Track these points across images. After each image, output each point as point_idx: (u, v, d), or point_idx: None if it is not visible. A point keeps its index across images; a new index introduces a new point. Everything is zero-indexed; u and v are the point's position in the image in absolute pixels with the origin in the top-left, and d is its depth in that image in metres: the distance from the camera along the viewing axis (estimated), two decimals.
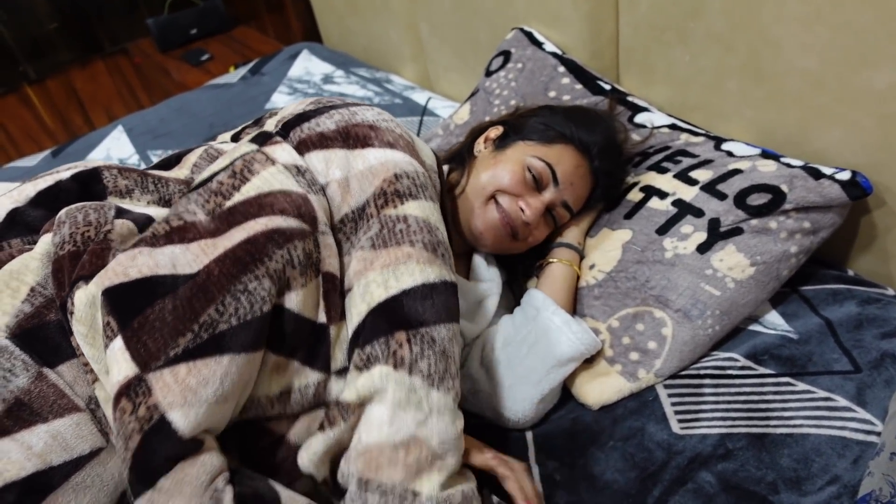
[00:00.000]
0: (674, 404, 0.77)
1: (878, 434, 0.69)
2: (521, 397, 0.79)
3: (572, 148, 0.87)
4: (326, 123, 0.74)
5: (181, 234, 0.64)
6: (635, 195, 0.88)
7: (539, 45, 1.15)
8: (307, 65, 1.82)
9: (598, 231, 0.89)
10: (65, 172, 0.76)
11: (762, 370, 0.78)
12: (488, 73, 1.19)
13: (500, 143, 0.91)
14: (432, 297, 0.64)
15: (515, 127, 0.92)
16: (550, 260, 0.88)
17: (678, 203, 0.83)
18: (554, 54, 1.13)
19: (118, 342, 0.58)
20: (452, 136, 1.20)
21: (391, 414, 0.59)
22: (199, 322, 0.58)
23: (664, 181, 0.87)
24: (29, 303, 0.63)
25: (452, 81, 1.53)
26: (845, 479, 0.66)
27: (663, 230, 0.82)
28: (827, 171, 0.80)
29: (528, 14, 1.18)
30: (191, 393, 0.56)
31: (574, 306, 0.85)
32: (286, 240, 0.64)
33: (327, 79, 1.72)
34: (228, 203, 0.67)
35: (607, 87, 1.06)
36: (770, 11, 0.81)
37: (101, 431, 0.60)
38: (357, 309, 0.65)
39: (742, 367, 0.79)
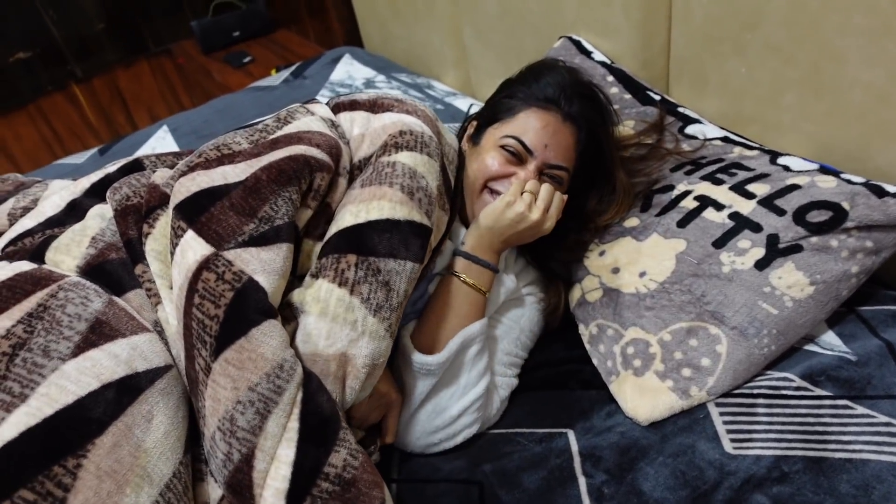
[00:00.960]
0: (726, 423, 0.76)
1: None
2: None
3: (534, 109, 0.87)
4: (362, 96, 0.89)
5: (230, 157, 0.75)
6: (689, 203, 0.86)
7: (587, 53, 1.14)
8: (349, 69, 1.83)
9: (649, 236, 0.87)
10: (111, 167, 0.88)
11: (819, 391, 0.75)
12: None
13: (476, 137, 0.93)
14: (390, 232, 0.72)
15: (485, 115, 0.94)
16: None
17: (735, 216, 0.82)
18: (602, 63, 1.12)
19: (189, 234, 0.68)
20: None
21: (328, 329, 0.67)
22: (258, 216, 0.69)
23: (720, 192, 0.85)
24: (93, 247, 0.74)
25: (495, 88, 1.52)
26: None
27: (720, 243, 0.80)
28: (891, 188, 0.78)
29: (577, 23, 1.17)
30: (267, 264, 0.67)
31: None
32: (319, 167, 0.75)
33: (369, 83, 1.73)
34: (271, 137, 0.80)
35: (657, 97, 1.05)
36: (834, 24, 0.79)
37: (167, 352, 0.67)
38: (329, 231, 0.74)
39: (797, 388, 0.77)
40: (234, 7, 2.49)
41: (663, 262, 0.84)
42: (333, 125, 0.83)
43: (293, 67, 1.92)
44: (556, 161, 0.86)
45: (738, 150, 0.92)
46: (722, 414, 0.76)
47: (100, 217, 0.79)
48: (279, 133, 0.80)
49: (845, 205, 0.77)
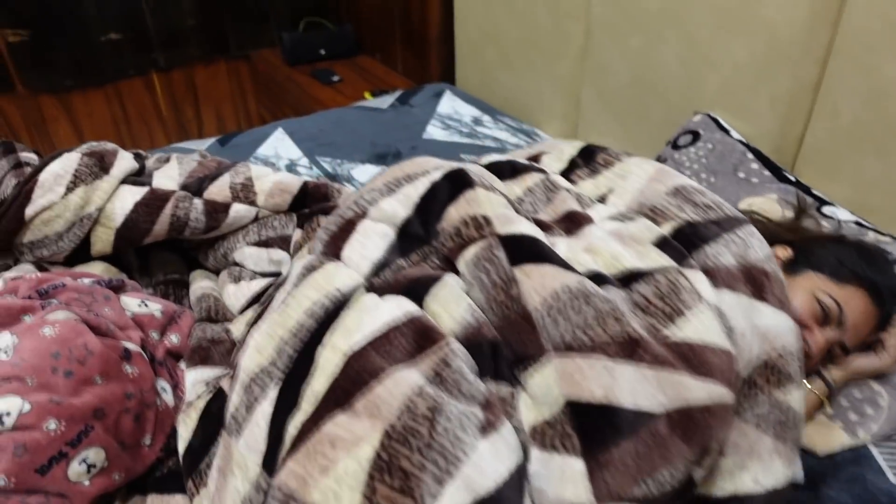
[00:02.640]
0: (886, 460, 0.92)
1: None
2: None
3: (863, 292, 0.86)
4: (726, 255, 0.74)
5: (632, 349, 0.63)
6: None
7: (726, 131, 1.34)
8: (453, 104, 2.00)
9: None
10: (435, 173, 0.82)
11: None
12: (675, 147, 1.37)
13: (790, 268, 0.89)
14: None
15: (804, 252, 0.91)
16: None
17: None
18: (740, 141, 1.31)
19: (579, 465, 0.60)
20: None
21: None
22: (653, 478, 0.59)
23: None
24: (472, 316, 0.69)
25: (605, 144, 1.71)
26: None
27: None
28: None
29: (716, 102, 1.37)
30: None
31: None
32: (722, 421, 0.63)
33: (477, 121, 1.90)
34: (668, 334, 0.67)
35: (791, 178, 1.25)
36: None
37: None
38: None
39: None
40: (323, 27, 2.63)
41: None
42: (721, 313, 0.69)
43: (396, 94, 2.07)
44: (850, 344, 0.88)
45: (871, 234, 1.11)
46: (881, 453, 0.92)
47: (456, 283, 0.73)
48: (676, 332, 0.66)
49: None
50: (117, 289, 0.96)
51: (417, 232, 0.79)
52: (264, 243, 1.06)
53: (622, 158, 0.96)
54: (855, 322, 0.86)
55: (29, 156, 1.13)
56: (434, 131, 1.85)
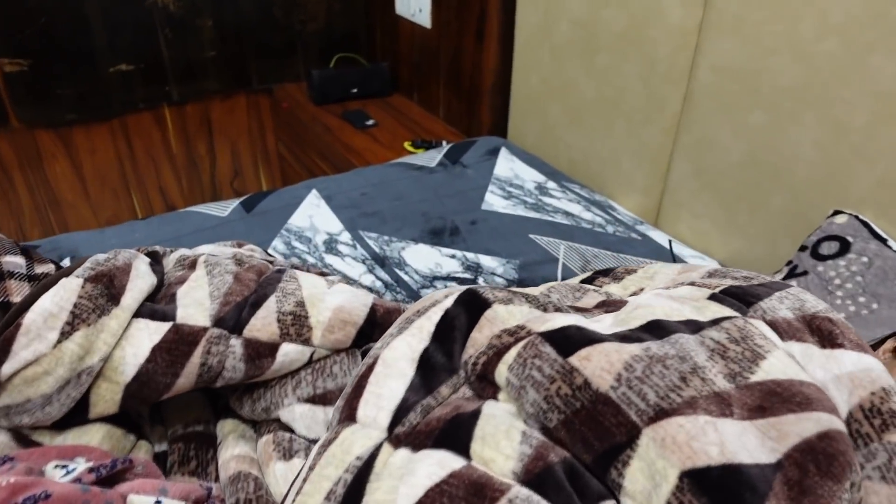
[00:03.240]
0: None
1: None
2: None
3: None
4: (783, 310, 0.67)
5: (724, 402, 0.55)
6: None
7: (883, 240, 1.08)
8: (511, 165, 1.74)
9: None
10: (446, 301, 0.72)
11: None
12: (817, 256, 1.12)
13: None
14: None
15: None
16: None
17: None
18: None
19: None
20: None
21: None
22: None
23: None
24: (527, 444, 0.57)
25: (697, 230, 1.46)
26: None
27: None
28: None
29: (866, 202, 1.12)
30: None
31: None
32: (847, 444, 0.53)
33: (542, 189, 1.64)
34: (753, 378, 0.58)
35: None
36: None
37: None
38: None
39: None
40: (356, 63, 2.38)
41: None
42: (794, 357, 0.63)
43: (443, 149, 1.82)
44: None
45: None
46: None
47: (509, 414, 0.61)
48: (759, 373, 0.59)
49: None
50: (123, 473, 0.69)
51: (440, 361, 0.67)
52: (321, 398, 0.80)
53: (644, 265, 0.94)
54: None
55: (14, 261, 0.86)
56: (494, 200, 1.59)
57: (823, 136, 1.16)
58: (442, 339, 0.69)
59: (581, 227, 1.49)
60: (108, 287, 0.76)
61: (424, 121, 2.20)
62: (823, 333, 0.64)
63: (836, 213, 1.15)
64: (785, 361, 0.60)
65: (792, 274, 1.13)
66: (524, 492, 0.53)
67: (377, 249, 1.38)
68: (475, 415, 0.60)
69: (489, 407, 0.61)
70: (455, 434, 0.58)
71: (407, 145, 1.99)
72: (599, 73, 1.57)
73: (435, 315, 0.72)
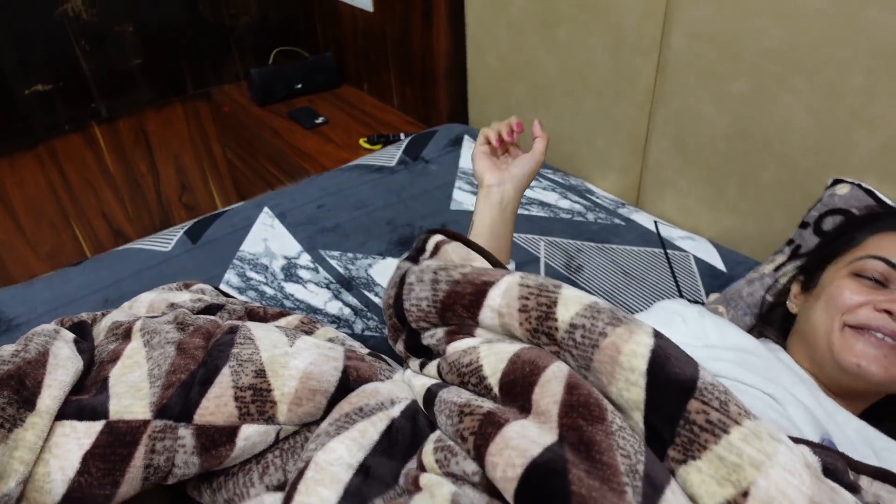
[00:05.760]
0: None
1: None
2: None
3: (889, 233, 0.77)
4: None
5: (499, 418, 0.56)
6: None
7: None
8: None
9: None
10: (394, 409, 0.67)
11: None
12: (821, 233, 1.02)
13: (808, 284, 0.84)
14: None
15: (809, 268, 0.86)
16: None
17: None
18: None
19: None
20: (762, 289, 1.02)
21: None
22: None
23: None
24: None
25: (684, 208, 1.36)
26: None
27: None
28: None
29: (869, 169, 1.03)
30: None
31: None
32: None
33: None
34: (493, 386, 0.61)
35: None
36: None
37: None
38: None
39: None
40: (298, 56, 2.21)
41: None
42: None
43: (402, 144, 1.68)
44: None
45: None
46: None
47: None
48: (493, 379, 0.61)
49: None
50: None
51: (379, 472, 0.61)
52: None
53: None
54: None
55: None
56: (463, 197, 1.47)
57: (816, 102, 1.05)
58: (383, 450, 0.63)
59: (560, 217, 1.38)
60: (17, 391, 0.63)
61: (378, 112, 2.05)
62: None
63: (837, 182, 1.06)
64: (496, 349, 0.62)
65: (796, 254, 1.04)
66: None
67: (342, 270, 1.25)
68: None
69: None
70: None
71: (362, 142, 1.85)
72: (562, 47, 1.44)
73: (381, 423, 0.66)
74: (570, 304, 0.60)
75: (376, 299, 1.18)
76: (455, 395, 0.62)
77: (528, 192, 1.47)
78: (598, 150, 1.49)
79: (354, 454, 0.61)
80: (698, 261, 1.24)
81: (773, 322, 0.93)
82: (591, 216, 1.38)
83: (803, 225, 1.06)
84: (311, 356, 0.74)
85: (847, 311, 0.74)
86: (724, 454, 0.48)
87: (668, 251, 1.26)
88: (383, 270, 1.25)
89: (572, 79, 1.46)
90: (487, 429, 0.55)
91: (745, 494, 0.46)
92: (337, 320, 1.13)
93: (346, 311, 1.15)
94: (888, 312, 0.71)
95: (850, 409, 0.76)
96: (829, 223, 1.03)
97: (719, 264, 1.23)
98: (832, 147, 1.06)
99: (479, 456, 0.54)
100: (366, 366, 0.78)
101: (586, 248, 1.28)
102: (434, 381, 0.69)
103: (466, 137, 1.68)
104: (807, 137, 1.09)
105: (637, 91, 1.33)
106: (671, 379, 0.52)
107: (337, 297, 1.18)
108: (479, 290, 0.67)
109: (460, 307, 0.68)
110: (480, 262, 0.79)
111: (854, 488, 0.55)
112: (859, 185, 1.03)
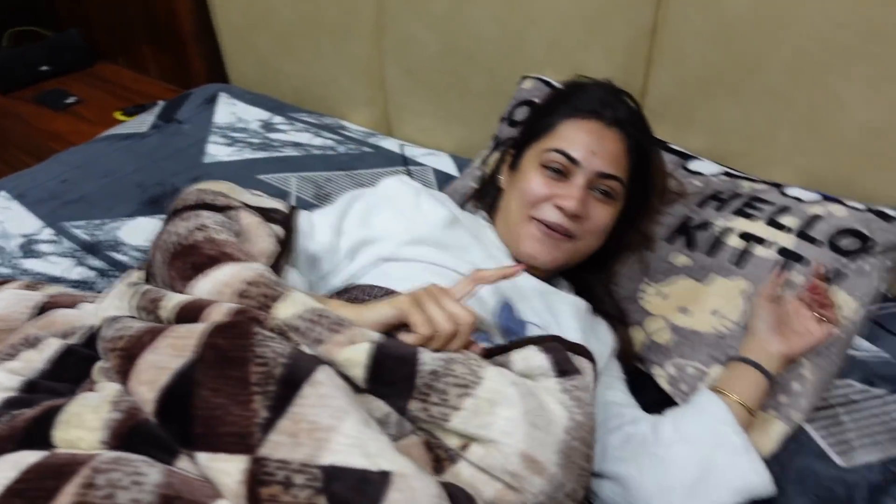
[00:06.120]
0: (823, 437, 0.82)
1: None
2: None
3: (575, 119, 0.83)
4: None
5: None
6: (736, 242, 0.91)
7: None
8: (233, 109, 1.62)
9: (710, 278, 0.91)
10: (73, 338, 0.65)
11: (877, 391, 0.86)
12: (512, 124, 1.17)
13: (515, 163, 0.89)
14: None
15: (520, 138, 0.91)
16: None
17: (784, 252, 0.89)
18: None
19: None
20: (472, 180, 1.15)
21: None
22: None
23: (758, 228, 0.92)
24: (117, 411, 0.54)
25: (424, 128, 1.47)
26: None
27: None
28: (892, 213, 0.91)
29: (546, 64, 1.18)
30: None
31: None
32: None
33: (268, 126, 1.55)
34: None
35: None
36: (835, 71, 0.91)
37: None
38: None
39: (861, 391, 0.86)
40: (39, 36, 2.05)
41: (732, 300, 0.88)
42: None
43: (156, 109, 1.64)
44: (606, 169, 0.80)
45: (746, 184, 1.00)
46: (816, 430, 0.82)
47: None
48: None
49: (865, 231, 0.89)
50: None
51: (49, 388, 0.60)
52: None
53: None
54: (586, 148, 0.80)
55: None
56: (217, 150, 1.47)
57: (499, 12, 1.19)
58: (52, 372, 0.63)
59: (312, 154, 1.43)
60: None
61: (137, 84, 1.98)
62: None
63: (524, 78, 1.21)
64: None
65: (497, 145, 1.18)
66: (109, 455, 0.49)
67: (87, 237, 1.22)
68: (60, 405, 0.54)
69: (85, 395, 0.56)
70: (35, 429, 0.52)
71: (118, 115, 1.78)
72: None
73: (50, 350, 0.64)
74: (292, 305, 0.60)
75: (124, 258, 1.17)
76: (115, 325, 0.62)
77: (282, 136, 1.50)
78: (344, 88, 1.55)
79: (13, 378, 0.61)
80: (437, 172, 1.35)
81: (487, 196, 0.99)
82: (342, 149, 1.45)
83: (502, 120, 1.20)
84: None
85: (532, 205, 0.81)
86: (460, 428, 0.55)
87: (410, 167, 1.37)
88: (132, 231, 1.23)
89: (307, 22, 1.51)
90: (132, 351, 0.56)
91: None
92: (80, 284, 1.11)
93: (92, 273, 1.13)
94: (560, 209, 0.79)
95: (536, 273, 0.84)
96: (519, 114, 1.17)
97: (455, 172, 1.35)
98: (516, 49, 1.21)
99: (124, 382, 0.55)
100: (68, 299, 0.78)
101: (335, 178, 1.35)
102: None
103: (222, 95, 1.68)
104: (498, 45, 1.23)
105: (363, 25, 1.41)
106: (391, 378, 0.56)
107: (82, 263, 1.16)
108: (213, 261, 0.66)
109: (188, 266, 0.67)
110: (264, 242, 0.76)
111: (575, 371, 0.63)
112: (539, 79, 1.18)
